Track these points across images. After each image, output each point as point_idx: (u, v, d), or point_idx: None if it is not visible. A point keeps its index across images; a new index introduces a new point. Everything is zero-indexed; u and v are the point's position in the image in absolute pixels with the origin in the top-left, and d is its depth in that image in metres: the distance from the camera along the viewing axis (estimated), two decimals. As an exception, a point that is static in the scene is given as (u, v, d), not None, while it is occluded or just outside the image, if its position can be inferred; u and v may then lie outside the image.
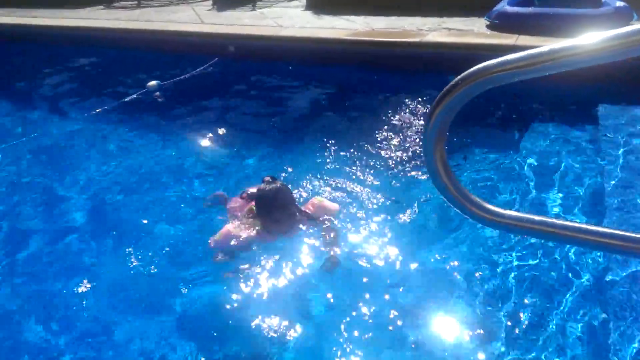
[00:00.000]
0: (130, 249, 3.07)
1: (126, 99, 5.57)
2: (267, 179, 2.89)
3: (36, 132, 5.01)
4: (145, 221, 3.40)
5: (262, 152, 4.33)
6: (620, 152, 3.53)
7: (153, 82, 5.78)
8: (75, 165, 4.33)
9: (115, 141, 4.79)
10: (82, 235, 3.34)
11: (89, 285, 2.81)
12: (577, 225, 1.65)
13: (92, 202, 3.70)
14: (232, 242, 2.83)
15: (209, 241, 2.89)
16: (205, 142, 4.62)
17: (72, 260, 3.09)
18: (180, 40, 7.27)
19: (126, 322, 2.58)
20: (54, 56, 7.76)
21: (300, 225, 2.91)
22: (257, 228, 2.85)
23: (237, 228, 2.88)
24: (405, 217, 3.14)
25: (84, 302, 2.70)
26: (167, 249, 3.08)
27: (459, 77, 1.25)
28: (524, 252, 2.75)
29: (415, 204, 3.23)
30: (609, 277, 2.51)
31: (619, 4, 5.64)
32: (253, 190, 3.01)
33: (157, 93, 5.80)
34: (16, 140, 4.80)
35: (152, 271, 2.90)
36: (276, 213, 2.78)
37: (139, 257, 3.00)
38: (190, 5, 10.12)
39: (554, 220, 1.49)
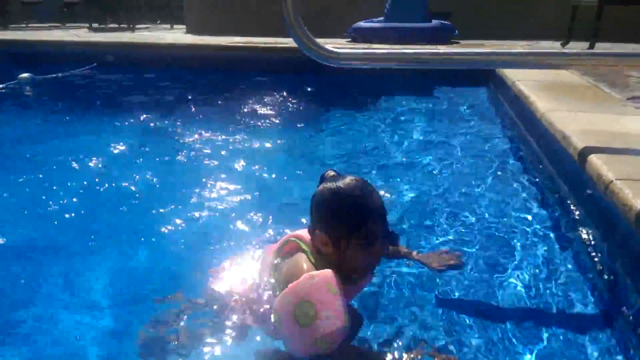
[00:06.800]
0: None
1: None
2: (332, 173, 1.63)
3: None
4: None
5: (133, 156, 3.80)
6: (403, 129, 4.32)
7: (25, 75, 5.70)
8: None
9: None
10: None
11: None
12: (396, 50, 2.49)
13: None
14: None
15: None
16: (74, 139, 4.16)
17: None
18: (58, 50, 7.24)
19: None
20: None
21: None
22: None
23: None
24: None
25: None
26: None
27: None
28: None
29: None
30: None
31: (444, 22, 7.39)
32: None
33: (28, 87, 5.71)
34: None
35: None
36: (378, 230, 1.52)
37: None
38: (67, 30, 10.40)
39: (377, 50, 2.23)
